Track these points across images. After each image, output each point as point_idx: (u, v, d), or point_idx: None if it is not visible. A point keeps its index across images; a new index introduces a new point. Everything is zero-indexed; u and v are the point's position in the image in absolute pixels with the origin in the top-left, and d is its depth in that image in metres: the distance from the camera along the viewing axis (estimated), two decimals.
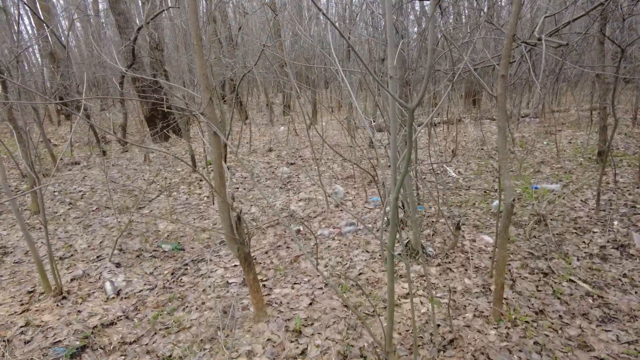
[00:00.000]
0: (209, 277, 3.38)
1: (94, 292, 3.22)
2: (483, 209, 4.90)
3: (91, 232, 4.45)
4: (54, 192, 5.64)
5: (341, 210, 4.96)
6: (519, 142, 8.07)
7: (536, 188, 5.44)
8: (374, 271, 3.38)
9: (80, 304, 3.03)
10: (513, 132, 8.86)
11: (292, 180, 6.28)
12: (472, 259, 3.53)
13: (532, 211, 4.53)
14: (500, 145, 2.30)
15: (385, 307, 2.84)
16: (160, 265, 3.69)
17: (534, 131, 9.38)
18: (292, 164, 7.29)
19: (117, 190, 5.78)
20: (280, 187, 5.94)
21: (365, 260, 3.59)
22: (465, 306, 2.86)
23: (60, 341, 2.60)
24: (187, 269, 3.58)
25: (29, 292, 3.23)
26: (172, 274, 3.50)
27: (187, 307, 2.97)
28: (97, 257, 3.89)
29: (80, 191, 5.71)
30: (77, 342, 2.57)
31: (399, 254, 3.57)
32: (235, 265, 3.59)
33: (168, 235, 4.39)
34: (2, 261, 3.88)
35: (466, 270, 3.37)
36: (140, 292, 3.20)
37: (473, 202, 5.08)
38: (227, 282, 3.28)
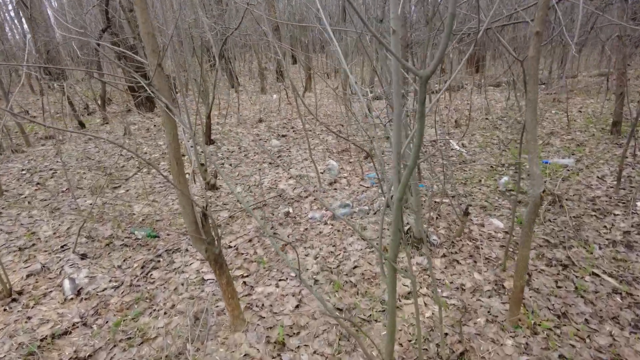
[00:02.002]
0: (183, 272, 2.98)
1: (51, 292, 2.82)
2: (490, 186, 4.48)
3: (59, 217, 4.02)
4: (22, 170, 5.17)
5: (335, 189, 4.53)
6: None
7: (547, 163, 5.01)
8: (370, 263, 2.99)
9: (32, 307, 2.63)
10: (519, 99, 8.33)
11: (283, 154, 5.81)
12: (481, 248, 3.13)
13: (545, 190, 4.10)
14: (530, 122, 1.83)
15: (384, 310, 2.46)
16: (130, 257, 3.28)
17: (540, 99, 8.85)
18: (283, 136, 6.80)
19: (92, 167, 5.31)
20: (270, 163, 5.48)
21: (361, 249, 3.18)
22: (476, 309, 2.47)
23: None
24: (159, 261, 3.18)
25: None
26: (142, 267, 3.10)
27: (154, 310, 2.58)
28: (62, 247, 3.47)
29: (51, 169, 5.24)
30: None
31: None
32: None
33: (143, 220, 3.96)
34: None
35: (475, 262, 2.97)
36: (104, 291, 2.80)
37: (479, 179, 4.65)
38: (203, 278, 2.88)
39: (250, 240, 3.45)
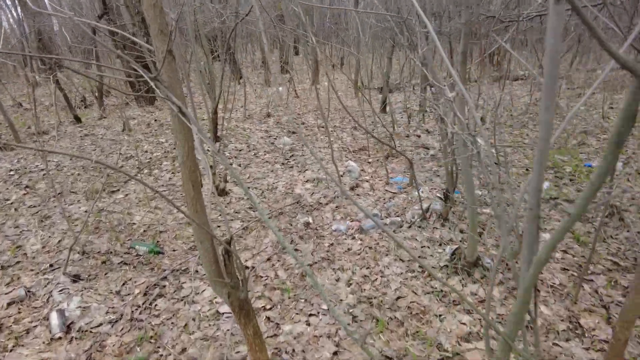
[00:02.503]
0: (193, 301, 2.51)
1: (35, 327, 2.35)
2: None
3: (49, 227, 3.54)
4: (10, 171, 4.69)
5: (357, 195, 4.06)
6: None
7: (589, 166, 4.53)
8: (415, 292, 2.52)
9: (11, 351, 2.17)
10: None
11: (296, 153, 5.33)
12: (540, 272, 2.66)
13: (597, 199, 3.64)
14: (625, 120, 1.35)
15: (443, 359, 2.00)
16: (131, 279, 2.81)
17: (563, 94, 8.34)
18: (293, 132, 6.30)
19: (87, 168, 4.83)
20: (282, 163, 5.00)
21: (401, 273, 2.72)
22: (555, 357, 2.01)
23: None
24: (165, 285, 2.71)
25: None
26: (144, 294, 2.63)
27: (161, 356, 2.11)
28: (51, 265, 3.00)
29: (42, 170, 4.75)
30: None
31: (447, 266, 2.72)
32: None
33: (145, 231, 3.49)
34: None
35: (538, 290, 2.51)
36: (99, 326, 2.34)
37: (517, 184, 4.17)
38: (218, 311, 2.41)
39: (268, 259, 2.98)
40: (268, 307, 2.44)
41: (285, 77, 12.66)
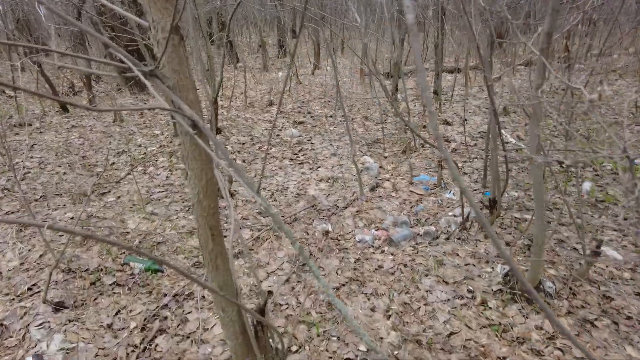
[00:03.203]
0: (202, 340, 2.07)
1: None
2: (571, 194, 3.59)
3: (29, 238, 3.07)
4: None
5: (379, 197, 3.61)
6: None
7: (636, 164, 4.10)
8: (469, 326, 2.09)
9: None
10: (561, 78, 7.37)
11: (304, 147, 4.85)
12: (612, 298, 2.25)
13: None
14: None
15: None
16: (125, 307, 2.36)
17: (581, 81, 7.87)
18: (300, 123, 5.81)
19: (74, 166, 4.33)
20: (291, 159, 4.52)
21: (448, 300, 2.29)
22: None
23: None
24: (167, 317, 2.26)
25: None
26: (142, 328, 2.18)
27: None
28: (30, 288, 2.54)
29: (24, 167, 4.25)
30: None
31: (501, 290, 2.28)
32: None
33: (140, 242, 3.03)
34: None
35: (616, 323, 2.09)
36: None
37: (554, 184, 3.74)
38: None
39: (287, 281, 2.54)
40: (294, 349, 2.00)
41: (285, 61, 12.07)
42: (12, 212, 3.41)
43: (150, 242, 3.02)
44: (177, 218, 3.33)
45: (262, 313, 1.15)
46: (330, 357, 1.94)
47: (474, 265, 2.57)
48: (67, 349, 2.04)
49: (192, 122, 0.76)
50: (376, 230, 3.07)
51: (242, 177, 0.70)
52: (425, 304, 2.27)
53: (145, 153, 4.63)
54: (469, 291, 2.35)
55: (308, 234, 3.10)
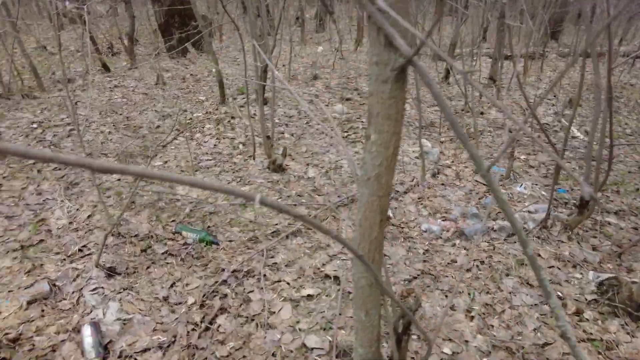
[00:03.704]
0: (269, 325, 1.90)
1: (63, 343, 1.77)
2: None
3: (76, 197, 2.95)
4: (33, 123, 4.07)
5: (442, 184, 3.36)
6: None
7: None
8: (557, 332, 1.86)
9: None
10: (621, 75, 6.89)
11: (354, 125, 4.60)
12: None
13: None
14: None
15: None
16: (180, 279, 2.21)
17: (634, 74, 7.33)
18: (347, 99, 5.54)
19: (118, 126, 4.18)
20: (343, 137, 4.28)
21: (535, 305, 2.06)
22: None
23: None
24: (226, 294, 2.10)
25: None
26: (201, 305, 2.03)
27: None
28: (80, 249, 2.41)
29: (68, 124, 4.13)
30: None
31: (596, 300, 2.03)
32: (310, 294, 2.10)
33: (191, 211, 2.87)
34: None
35: None
36: (146, 352, 1.75)
37: (635, 186, 3.42)
38: (305, 345, 1.79)
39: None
40: None
41: (323, 35, 11.70)
42: (60, 169, 3.29)
43: (202, 211, 2.86)
44: (228, 185, 3.15)
45: (411, 319, 0.95)
46: (413, 358, 1.74)
47: (559, 269, 2.32)
48: (124, 320, 1.90)
49: (402, 64, 0.53)
50: (443, 220, 2.83)
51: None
52: (510, 307, 2.05)
53: (191, 119, 4.46)
54: (559, 297, 2.11)
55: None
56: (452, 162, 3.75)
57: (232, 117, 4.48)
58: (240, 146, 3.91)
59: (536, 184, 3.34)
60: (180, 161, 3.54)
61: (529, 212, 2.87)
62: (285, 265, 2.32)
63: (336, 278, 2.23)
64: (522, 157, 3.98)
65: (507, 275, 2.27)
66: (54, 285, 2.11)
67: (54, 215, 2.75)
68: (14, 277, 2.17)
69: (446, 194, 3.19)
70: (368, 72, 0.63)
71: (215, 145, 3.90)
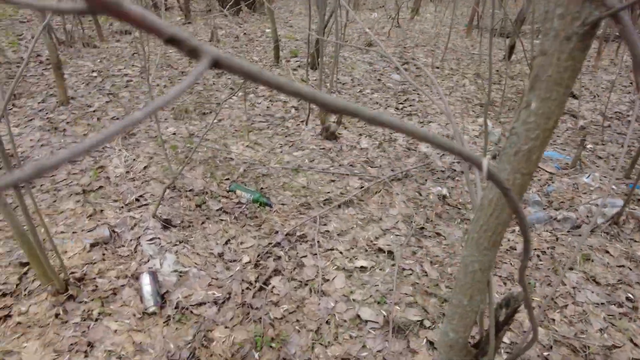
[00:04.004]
0: (322, 292, 1.88)
1: (123, 288, 1.83)
2: None
3: (133, 147, 3.00)
4: (93, 72, 4.14)
5: None
6: None
7: None
8: (635, 343, 1.75)
9: (96, 321, 1.65)
10: None
11: (410, 97, 4.42)
12: None
13: None
14: None
15: None
16: (235, 238, 2.22)
17: None
18: (405, 64, 5.32)
19: (174, 80, 4.20)
20: (396, 108, 4.13)
21: (602, 304, 1.93)
22: None
23: None
24: (280, 257, 2.09)
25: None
26: (255, 264, 2.03)
27: None
28: (137, 199, 2.46)
29: (126, 75, 4.18)
30: None
31: None
32: (362, 265, 2.06)
33: (245, 171, 2.86)
34: None
35: None
36: (201, 306, 1.77)
37: None
38: (359, 316, 1.77)
39: (407, 243, 2.27)
40: (427, 324, 1.76)
41: (377, 1, 11.25)
42: (118, 118, 3.35)
43: (255, 172, 2.84)
44: (281, 152, 3.12)
45: (513, 313, 0.88)
46: None
47: (631, 270, 2.17)
48: (180, 272, 1.93)
49: (598, 18, 0.43)
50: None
51: None
52: (573, 303, 1.93)
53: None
54: (629, 299, 1.97)
55: (421, 195, 2.79)
56: None
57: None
58: (293, 110, 3.85)
59: (604, 176, 3.11)
60: (235, 120, 3.53)
61: (596, 205, 2.69)
62: (338, 235, 2.28)
63: (390, 253, 2.17)
64: (589, 146, 3.71)
65: (571, 269, 2.14)
66: (114, 231, 2.17)
67: (112, 163, 2.81)
68: (77, 219, 2.24)
69: None
70: (543, 28, 0.53)
71: (268, 107, 3.85)
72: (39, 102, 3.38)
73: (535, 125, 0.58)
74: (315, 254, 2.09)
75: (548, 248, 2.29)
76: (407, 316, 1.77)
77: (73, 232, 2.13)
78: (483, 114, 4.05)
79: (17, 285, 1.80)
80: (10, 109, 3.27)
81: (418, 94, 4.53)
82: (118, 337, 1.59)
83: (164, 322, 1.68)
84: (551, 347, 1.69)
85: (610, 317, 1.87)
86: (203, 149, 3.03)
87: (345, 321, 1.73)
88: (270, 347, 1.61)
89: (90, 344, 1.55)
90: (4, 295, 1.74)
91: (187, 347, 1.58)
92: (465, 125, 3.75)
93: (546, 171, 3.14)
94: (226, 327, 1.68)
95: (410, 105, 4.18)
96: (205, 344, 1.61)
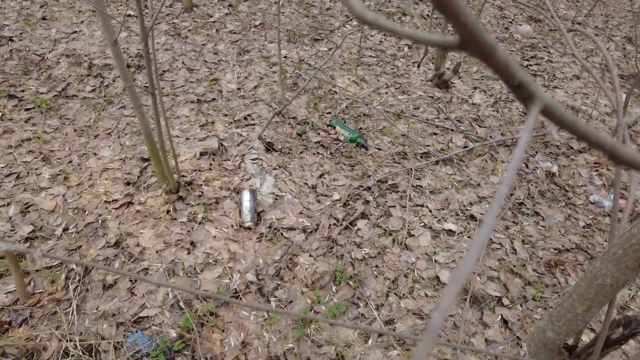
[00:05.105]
0: (405, 245, 1.90)
1: (225, 199, 2.00)
2: None
3: (246, 64, 3.09)
4: None
5: None
6: None
7: None
8: None
9: (200, 223, 1.84)
10: None
11: (539, 54, 3.94)
12: None
13: None
14: None
15: None
16: (329, 173, 2.28)
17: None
18: (537, 21, 4.71)
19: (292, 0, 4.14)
20: (524, 66, 3.73)
21: None
22: None
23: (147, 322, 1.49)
24: (369, 201, 2.12)
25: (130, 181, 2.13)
26: (345, 204, 2.09)
27: (363, 317, 1.61)
28: (245, 117, 2.59)
29: None
30: (174, 334, 1.45)
31: None
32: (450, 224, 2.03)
33: (347, 107, 2.85)
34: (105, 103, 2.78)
35: None
36: (291, 231, 1.89)
37: None
38: (438, 277, 1.78)
39: (500, 216, 2.17)
40: (505, 302, 1.73)
41: None
42: (235, 32, 3.44)
43: (357, 110, 2.82)
44: (386, 94, 3.03)
45: (630, 336, 0.83)
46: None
47: None
48: (276, 195, 2.05)
49: None
50: (620, 197, 2.42)
51: None
52: None
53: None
54: None
55: (527, 167, 2.59)
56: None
57: (404, 14, 4.13)
58: (406, 48, 3.65)
59: None
60: (345, 51, 3.45)
61: None
62: (430, 192, 2.24)
63: (482, 222, 2.10)
64: None
65: None
66: (222, 144, 2.33)
67: (225, 77, 2.94)
68: (190, 126, 2.43)
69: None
70: None
71: (380, 42, 3.68)
72: (167, 6, 3.55)
73: None
74: (404, 207, 2.09)
75: None
76: (487, 289, 1.74)
77: (186, 139, 2.32)
78: (625, 88, 3.53)
79: (138, 177, 2.05)
80: (143, 10, 3.49)
81: (549, 51, 4.03)
82: (216, 243, 1.77)
83: (257, 238, 1.83)
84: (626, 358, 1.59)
85: None
86: (311, 77, 3.04)
87: (423, 278, 1.75)
88: (348, 284, 1.70)
89: (193, 244, 1.75)
90: (128, 184, 2.00)
91: (274, 266, 1.72)
92: (598, 99, 3.31)
93: None
94: (310, 256, 1.79)
95: (537, 64, 3.75)
96: (290, 266, 1.74)
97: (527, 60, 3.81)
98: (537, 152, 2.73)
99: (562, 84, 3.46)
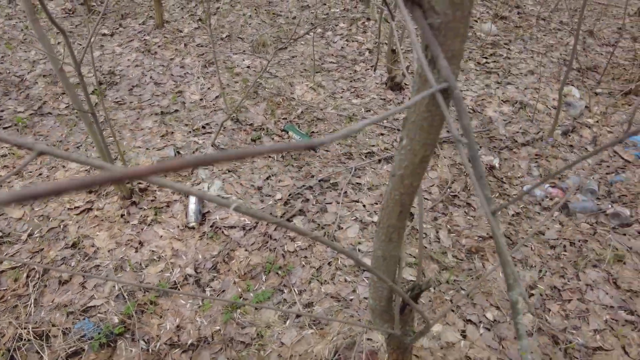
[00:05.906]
0: (334, 237, 2.10)
1: (175, 202, 2.22)
2: None
3: (210, 76, 3.31)
4: None
5: (570, 146, 2.98)
6: None
7: None
8: (626, 351, 1.75)
9: (150, 225, 2.07)
10: None
11: (499, 51, 4.10)
12: None
13: None
14: None
15: None
16: (275, 175, 2.49)
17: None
18: (502, 18, 4.86)
19: (260, 10, 4.36)
20: (479, 63, 3.90)
21: (610, 307, 1.91)
22: None
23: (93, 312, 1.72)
24: (309, 199, 2.33)
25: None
26: (285, 202, 2.30)
27: (284, 301, 1.82)
28: (204, 126, 2.81)
29: (217, 1, 4.42)
30: (117, 320, 1.67)
31: None
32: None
33: (302, 112, 3.06)
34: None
35: None
36: (232, 229, 2.11)
37: None
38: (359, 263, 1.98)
39: (432, 208, 2.36)
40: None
41: None
42: (202, 46, 3.67)
43: (312, 115, 3.02)
44: (341, 98, 3.23)
45: (416, 298, 1.03)
46: (453, 310, 1.83)
47: None
48: (222, 197, 2.27)
49: (444, 88, 0.53)
50: (551, 186, 2.59)
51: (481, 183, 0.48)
52: (579, 299, 1.93)
53: (327, 14, 4.42)
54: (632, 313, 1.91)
55: (469, 162, 2.76)
56: (596, 122, 3.23)
57: (368, 19, 4.33)
58: (367, 53, 3.84)
59: None
60: (306, 59, 3.66)
61: None
62: (368, 189, 2.44)
63: (411, 214, 2.29)
64: None
65: (595, 266, 2.09)
66: (178, 152, 2.55)
67: (189, 89, 3.17)
68: (152, 137, 2.66)
69: (570, 158, 2.85)
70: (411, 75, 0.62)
71: (342, 47, 3.89)
72: (139, 24, 3.80)
73: (404, 158, 0.69)
74: (339, 203, 2.29)
75: (580, 241, 2.23)
76: (403, 274, 1.94)
77: (146, 149, 2.55)
78: (572, 80, 3.68)
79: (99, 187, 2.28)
80: (117, 29, 3.74)
81: (509, 49, 4.18)
82: (162, 242, 2.00)
83: (199, 237, 2.05)
84: (532, 334, 1.77)
85: (613, 321, 1.86)
86: (269, 85, 3.25)
87: (345, 266, 1.96)
88: (277, 273, 1.91)
89: (141, 243, 1.98)
90: (90, 192, 2.23)
91: (212, 260, 1.94)
92: (546, 93, 3.46)
93: (621, 157, 2.88)
94: (246, 250, 2.00)
95: (495, 62, 3.91)
96: (227, 260, 1.96)
97: (486, 57, 3.98)
98: (481, 147, 2.90)
99: (515, 80, 3.62)
